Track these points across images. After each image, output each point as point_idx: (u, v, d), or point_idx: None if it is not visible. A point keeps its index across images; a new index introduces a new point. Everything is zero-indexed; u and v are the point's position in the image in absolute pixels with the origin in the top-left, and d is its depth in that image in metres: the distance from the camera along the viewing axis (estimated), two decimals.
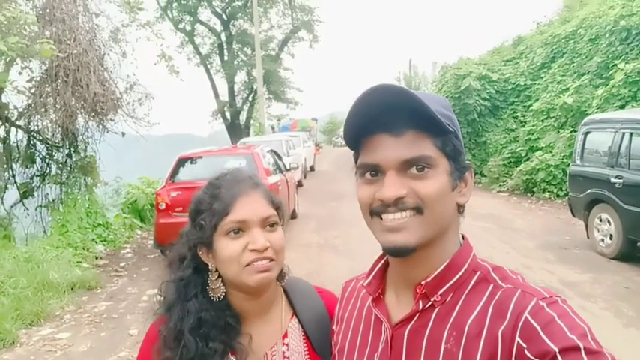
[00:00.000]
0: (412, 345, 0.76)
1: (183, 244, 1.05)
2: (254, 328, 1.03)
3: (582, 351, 0.62)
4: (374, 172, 0.76)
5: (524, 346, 0.66)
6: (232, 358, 0.99)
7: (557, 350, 0.63)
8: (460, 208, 0.80)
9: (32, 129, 8.42)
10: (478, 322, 0.71)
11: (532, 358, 0.64)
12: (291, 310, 1.09)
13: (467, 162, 0.79)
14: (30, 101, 7.93)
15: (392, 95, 0.72)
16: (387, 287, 0.86)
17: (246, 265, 0.97)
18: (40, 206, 8.69)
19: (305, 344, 1.05)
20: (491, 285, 0.75)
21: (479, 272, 0.77)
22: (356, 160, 0.81)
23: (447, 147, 0.75)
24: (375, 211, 0.76)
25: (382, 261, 0.87)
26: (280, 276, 1.08)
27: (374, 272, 0.87)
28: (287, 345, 1.04)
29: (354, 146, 0.81)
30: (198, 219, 1.02)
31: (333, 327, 0.99)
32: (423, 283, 0.76)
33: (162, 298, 1.06)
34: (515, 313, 0.69)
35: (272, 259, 0.98)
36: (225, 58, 25.41)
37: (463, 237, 0.82)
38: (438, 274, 0.76)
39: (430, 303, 0.76)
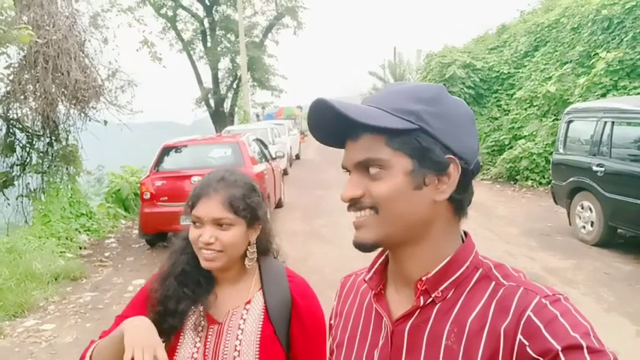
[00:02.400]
0: (413, 341, 0.76)
1: None
2: (224, 290, 1.29)
3: (585, 350, 0.63)
4: (348, 172, 0.80)
5: (527, 343, 0.66)
6: (201, 307, 1.26)
7: (559, 349, 0.63)
8: (455, 205, 0.77)
9: (11, 117, 8.22)
10: (480, 319, 0.71)
11: (534, 356, 0.65)
12: (260, 284, 1.31)
13: (448, 157, 0.74)
14: (8, 88, 7.72)
15: (327, 110, 0.73)
16: (387, 283, 0.85)
17: (199, 249, 1.23)
18: (21, 196, 8.52)
19: (263, 314, 1.28)
20: (493, 282, 0.75)
21: (481, 269, 0.77)
22: None
23: (408, 146, 0.73)
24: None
25: (383, 256, 0.86)
26: (245, 259, 1.30)
27: (375, 267, 0.86)
28: (247, 310, 1.28)
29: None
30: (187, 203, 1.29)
31: (331, 322, 0.98)
32: (424, 279, 0.76)
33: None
34: (517, 310, 0.69)
35: (220, 251, 1.21)
36: (209, 44, 25.06)
37: (466, 234, 0.82)
38: (440, 270, 0.76)
39: (431, 299, 0.76)
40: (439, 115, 0.75)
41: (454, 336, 0.72)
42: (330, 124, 0.76)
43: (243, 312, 1.27)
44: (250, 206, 1.26)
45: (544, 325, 0.66)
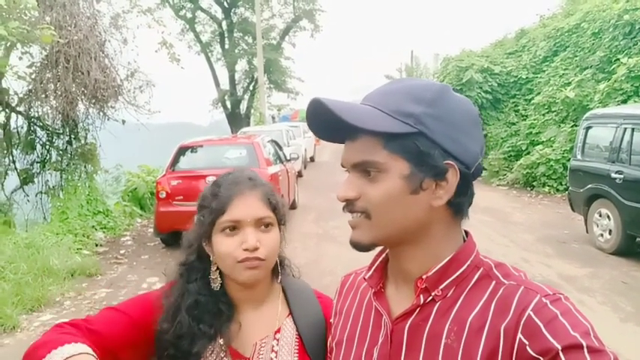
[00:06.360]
0: (412, 339, 0.76)
1: (192, 232, 1.12)
2: (247, 318, 1.09)
3: (585, 349, 0.62)
4: (347, 171, 0.79)
5: (526, 343, 0.65)
6: (220, 341, 1.05)
7: (559, 348, 0.62)
8: (454, 208, 0.76)
9: (32, 115, 8.41)
10: (480, 318, 0.71)
11: (534, 355, 0.64)
12: (288, 309, 1.12)
13: (447, 162, 0.72)
14: (30, 87, 7.89)
15: (324, 111, 0.72)
16: (388, 281, 0.85)
17: (238, 262, 1.02)
18: (41, 192, 8.70)
19: (297, 344, 1.09)
20: (494, 282, 0.74)
21: (481, 269, 0.76)
22: None
23: (405, 149, 0.72)
24: None
25: (383, 255, 0.86)
26: (276, 272, 1.13)
27: (375, 265, 0.86)
28: (278, 340, 1.09)
29: None
30: (200, 214, 1.09)
31: (331, 320, 0.98)
32: (424, 277, 0.76)
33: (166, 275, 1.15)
34: (518, 309, 0.68)
35: (262, 259, 1.03)
36: (226, 46, 25.29)
37: (467, 233, 0.81)
38: (440, 269, 0.75)
39: (431, 297, 0.75)
40: (440, 118, 0.73)
41: (454, 334, 0.72)
42: (329, 124, 0.75)
43: (273, 343, 1.08)
44: (283, 204, 1.12)
45: (544, 324, 0.65)
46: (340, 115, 0.71)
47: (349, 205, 0.77)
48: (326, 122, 0.75)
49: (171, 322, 1.05)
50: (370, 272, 0.86)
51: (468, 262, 0.76)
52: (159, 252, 7.17)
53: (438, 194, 0.74)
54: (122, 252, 7.20)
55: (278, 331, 1.09)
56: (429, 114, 0.72)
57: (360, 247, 0.78)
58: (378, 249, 0.87)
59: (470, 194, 0.77)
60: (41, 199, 8.72)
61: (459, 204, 0.76)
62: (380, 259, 0.86)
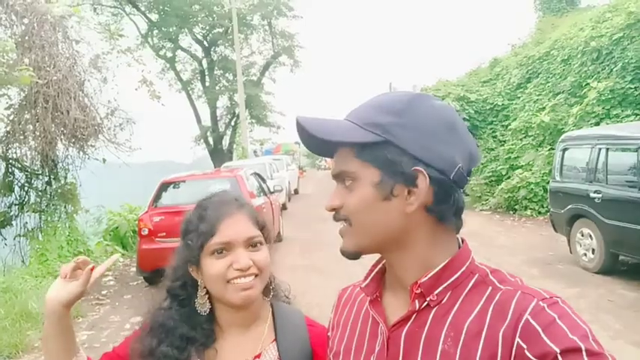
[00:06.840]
0: (409, 346, 0.75)
1: (176, 260, 1.10)
2: (230, 342, 1.06)
3: (584, 352, 0.62)
4: None
5: (525, 347, 0.65)
6: None
7: (558, 351, 0.63)
8: (436, 215, 0.75)
9: (10, 157, 8.28)
10: (477, 323, 0.71)
11: (533, 359, 0.64)
12: (274, 334, 1.09)
13: (415, 168, 0.73)
14: (8, 129, 7.81)
15: (303, 131, 0.77)
16: (385, 290, 0.85)
17: (230, 282, 1.01)
18: (19, 235, 8.47)
19: None
20: (490, 287, 0.75)
21: (477, 275, 0.77)
22: None
23: (375, 158, 0.75)
24: None
25: (380, 265, 0.86)
26: (266, 291, 1.11)
27: (372, 275, 0.86)
28: None
29: None
30: (186, 238, 1.07)
31: (329, 334, 0.98)
32: (419, 282, 0.76)
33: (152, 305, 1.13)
34: (515, 314, 0.68)
35: (256, 275, 1.03)
36: (207, 83, 25.50)
37: (463, 241, 0.82)
38: (435, 274, 0.76)
39: (426, 303, 0.75)
40: (408, 126, 0.74)
41: (451, 340, 0.72)
42: (311, 140, 0.79)
43: None
44: (267, 223, 1.13)
45: (542, 328, 0.65)
46: (311, 131, 0.75)
47: (335, 214, 0.80)
48: (309, 138, 0.78)
49: (138, 343, 1.06)
50: (367, 281, 0.86)
51: (463, 269, 0.77)
52: (142, 291, 7.00)
53: (410, 200, 0.75)
54: (104, 292, 7.01)
55: (258, 356, 1.06)
56: (397, 123, 0.74)
57: (347, 254, 0.80)
58: (372, 259, 0.87)
59: (454, 202, 0.76)
60: (19, 242, 8.49)
61: (441, 211, 0.76)
62: (376, 269, 0.87)
